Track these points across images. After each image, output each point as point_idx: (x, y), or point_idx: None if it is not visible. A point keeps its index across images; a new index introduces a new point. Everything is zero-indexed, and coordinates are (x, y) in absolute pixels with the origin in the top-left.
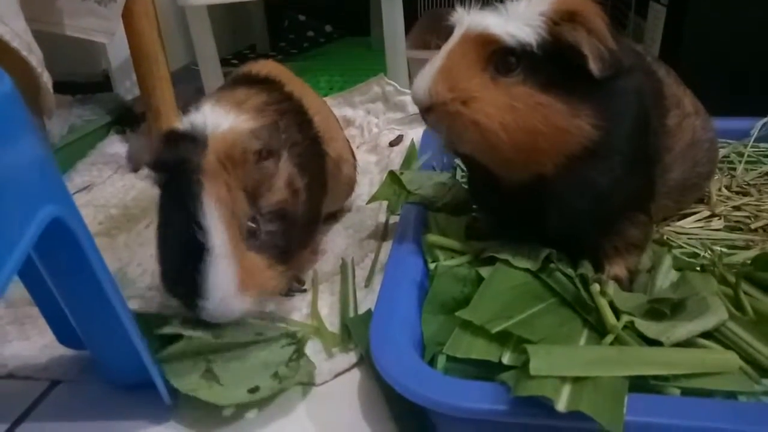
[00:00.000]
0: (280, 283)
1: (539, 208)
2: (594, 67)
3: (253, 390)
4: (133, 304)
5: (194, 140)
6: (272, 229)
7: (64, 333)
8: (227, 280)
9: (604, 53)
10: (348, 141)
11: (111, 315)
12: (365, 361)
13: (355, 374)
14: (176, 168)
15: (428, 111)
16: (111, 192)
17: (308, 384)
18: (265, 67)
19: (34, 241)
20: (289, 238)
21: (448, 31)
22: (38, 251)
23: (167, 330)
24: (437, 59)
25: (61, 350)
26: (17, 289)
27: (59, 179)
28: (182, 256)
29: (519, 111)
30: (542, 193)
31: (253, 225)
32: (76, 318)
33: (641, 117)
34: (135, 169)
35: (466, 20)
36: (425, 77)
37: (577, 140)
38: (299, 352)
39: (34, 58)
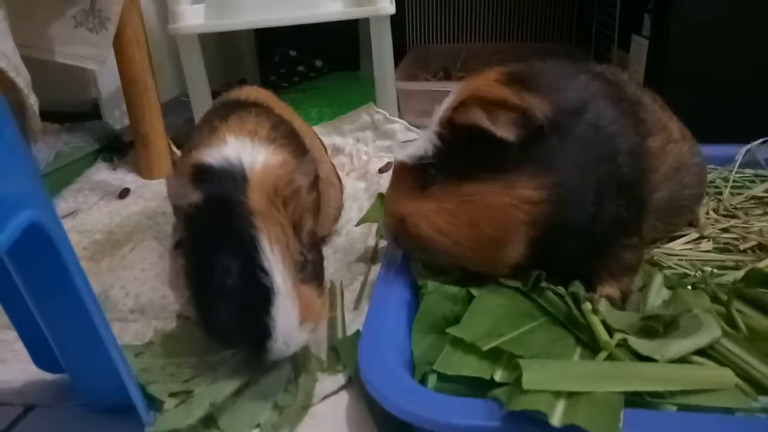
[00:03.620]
0: (326, 303)
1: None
2: (505, 134)
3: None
4: (115, 327)
5: (234, 175)
6: (313, 258)
7: (41, 356)
8: (293, 320)
9: (513, 117)
10: (334, 165)
11: (91, 332)
12: (354, 383)
13: (344, 396)
14: (218, 206)
15: (392, 240)
16: (96, 218)
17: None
18: (252, 93)
19: (11, 243)
20: (322, 260)
21: (436, 68)
22: (18, 264)
23: (156, 391)
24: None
25: (38, 374)
26: None
27: (40, 187)
28: (243, 303)
29: (450, 211)
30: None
31: (302, 257)
32: (55, 337)
33: (597, 148)
34: (178, 210)
35: (396, 154)
36: (383, 215)
37: (528, 208)
38: (297, 370)
39: (22, 80)
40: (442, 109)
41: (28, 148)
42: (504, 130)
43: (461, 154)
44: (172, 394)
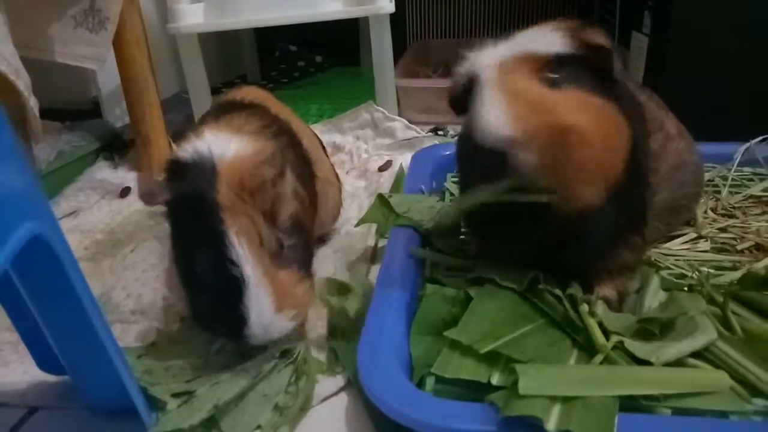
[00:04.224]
0: (308, 287)
1: (561, 240)
2: (616, 66)
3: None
4: (117, 329)
5: (202, 170)
6: (293, 242)
7: (44, 358)
8: (267, 306)
9: (618, 52)
10: (332, 165)
11: (92, 337)
12: (353, 385)
13: (343, 398)
14: (190, 202)
15: (515, 144)
16: (97, 217)
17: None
18: (250, 93)
19: (13, 257)
20: (307, 246)
21: (437, 64)
22: (19, 271)
23: (158, 393)
24: (493, 95)
25: (41, 376)
26: None
27: (42, 198)
28: (218, 294)
29: (590, 110)
30: (571, 228)
31: (277, 244)
32: (57, 341)
33: (638, 137)
34: (149, 205)
35: (492, 56)
36: (496, 113)
37: (627, 139)
38: (298, 372)
39: (22, 82)
40: (551, 27)
41: (25, 153)
42: (617, 63)
43: (581, 69)
44: (174, 395)
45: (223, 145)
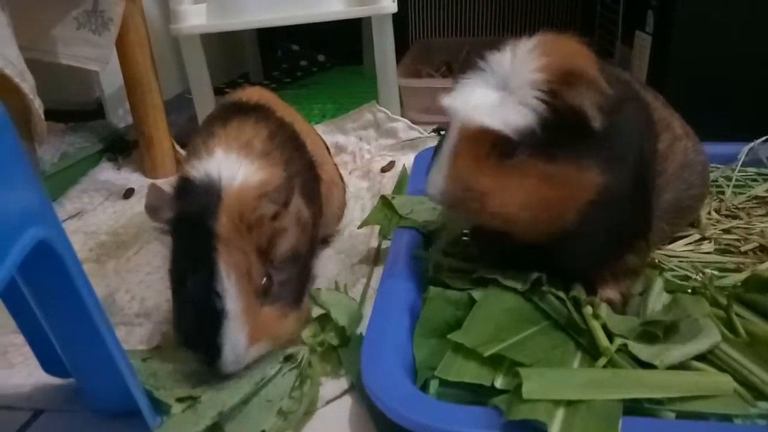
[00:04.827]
0: (294, 326)
1: (549, 251)
2: (595, 122)
3: None
4: (121, 331)
5: (208, 194)
6: (284, 277)
7: (49, 361)
8: (241, 341)
9: (602, 104)
10: (336, 165)
11: (97, 341)
12: (356, 388)
13: (346, 401)
14: (190, 224)
15: (448, 207)
16: (102, 219)
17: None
18: (254, 94)
19: (18, 263)
20: (301, 278)
21: (439, 63)
22: (24, 275)
23: (163, 396)
24: (444, 158)
25: (46, 379)
26: (1, 315)
27: (46, 202)
28: (199, 319)
29: (532, 187)
30: (554, 241)
31: (267, 281)
32: (62, 344)
33: (637, 148)
34: (153, 220)
35: (460, 112)
36: (437, 178)
37: (587, 193)
38: (302, 377)
39: (27, 85)
40: (533, 71)
41: (29, 155)
42: (597, 119)
43: (547, 131)
44: (179, 399)
45: (232, 168)
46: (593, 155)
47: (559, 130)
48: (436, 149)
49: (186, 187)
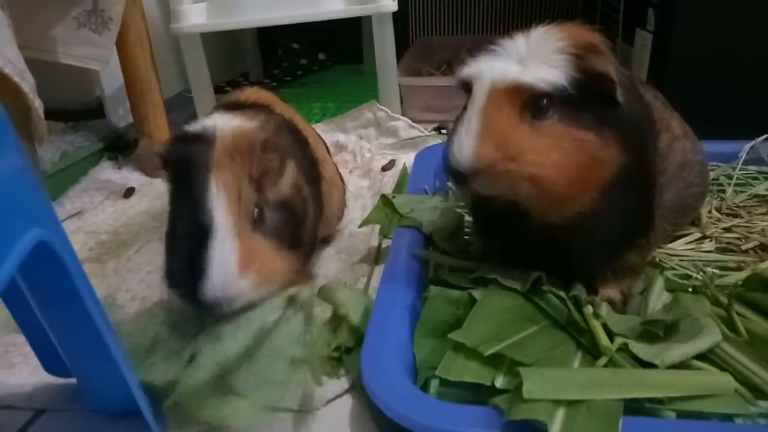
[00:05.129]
0: (286, 265)
1: (556, 243)
2: (619, 93)
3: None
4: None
5: (204, 139)
6: (278, 218)
7: (50, 361)
8: (230, 258)
9: (624, 78)
10: (336, 166)
11: (98, 341)
12: (357, 388)
13: (347, 401)
14: (186, 164)
15: (476, 174)
16: (102, 218)
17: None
18: (253, 94)
19: (18, 264)
20: (295, 232)
21: (440, 61)
22: (24, 276)
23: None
24: (472, 120)
25: (47, 379)
26: (2, 315)
27: (46, 203)
28: (187, 244)
29: (565, 150)
30: (567, 228)
31: (259, 212)
32: (63, 345)
33: (648, 139)
34: (143, 169)
35: (488, 74)
36: (467, 141)
37: (611, 167)
38: (307, 319)
39: (27, 84)
40: (556, 41)
41: (29, 154)
42: (621, 90)
43: (576, 97)
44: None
45: (228, 121)
46: (614, 133)
47: (587, 97)
48: (456, 121)
49: (182, 136)
